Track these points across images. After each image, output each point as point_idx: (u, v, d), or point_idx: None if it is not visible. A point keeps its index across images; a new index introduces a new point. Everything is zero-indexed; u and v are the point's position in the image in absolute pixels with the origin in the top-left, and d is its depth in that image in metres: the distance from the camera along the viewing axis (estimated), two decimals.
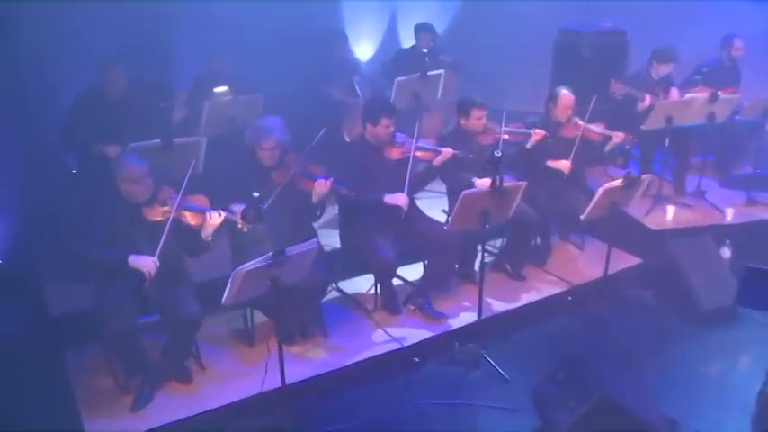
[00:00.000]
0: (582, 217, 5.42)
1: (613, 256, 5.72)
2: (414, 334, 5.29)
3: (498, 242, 6.37)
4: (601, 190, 5.30)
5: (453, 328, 5.41)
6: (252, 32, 7.30)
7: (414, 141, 5.39)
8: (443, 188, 6.06)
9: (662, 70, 7.04)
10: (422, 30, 7.83)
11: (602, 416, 4.05)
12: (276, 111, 5.45)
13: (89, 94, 5.78)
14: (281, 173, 4.94)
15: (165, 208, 4.40)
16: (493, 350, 5.16)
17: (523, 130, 5.96)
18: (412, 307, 5.59)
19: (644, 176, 5.53)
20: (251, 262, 3.91)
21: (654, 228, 6.56)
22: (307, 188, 4.92)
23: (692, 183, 7.23)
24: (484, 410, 4.70)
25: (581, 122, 6.07)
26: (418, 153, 5.41)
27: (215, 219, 4.40)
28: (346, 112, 7.12)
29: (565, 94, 6.06)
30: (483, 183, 5.32)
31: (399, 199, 5.22)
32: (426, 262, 5.75)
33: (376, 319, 5.48)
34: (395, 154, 5.39)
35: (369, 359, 5.04)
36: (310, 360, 4.96)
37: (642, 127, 6.50)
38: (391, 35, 9.22)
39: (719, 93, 6.65)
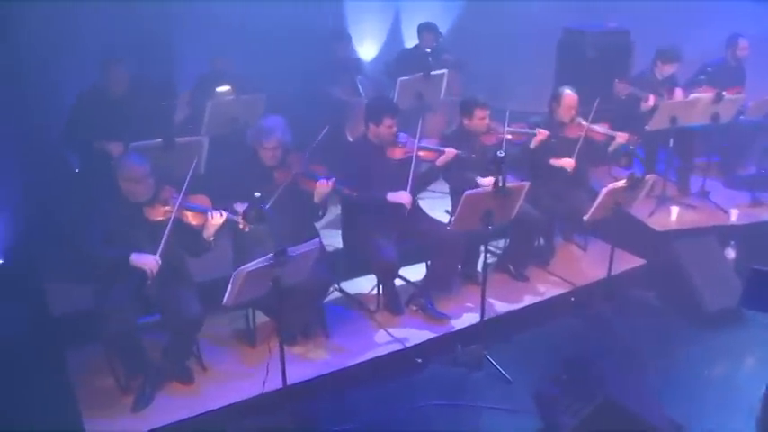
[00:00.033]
0: (585, 218, 5.40)
1: (617, 256, 5.70)
2: (416, 335, 5.27)
3: (501, 243, 6.34)
4: (604, 190, 5.28)
5: (456, 329, 5.39)
6: (254, 32, 7.29)
7: (416, 141, 5.37)
8: (446, 188, 6.05)
9: (666, 70, 7.01)
10: (425, 29, 7.81)
11: (606, 418, 4.04)
12: (278, 110, 5.44)
13: (92, 92, 5.78)
14: (283, 173, 4.93)
15: (167, 208, 4.39)
16: (495, 351, 5.14)
17: (527, 130, 5.95)
18: (414, 308, 5.57)
19: (648, 177, 5.52)
20: (252, 262, 3.90)
21: (658, 228, 6.53)
22: (308, 188, 4.91)
23: (696, 183, 7.20)
24: (486, 412, 4.68)
25: (584, 123, 6.05)
26: (421, 153, 5.39)
27: (217, 219, 4.39)
28: (349, 111, 7.10)
29: (568, 94, 6.04)
30: (486, 182, 5.29)
31: (402, 197, 5.20)
32: (429, 262, 5.72)
33: (378, 319, 5.46)
34: (397, 154, 5.37)
35: (371, 360, 5.02)
36: (312, 361, 4.95)
37: (646, 127, 6.47)
38: (395, 35, 9.20)
39: (724, 93, 6.62)
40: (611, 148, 6.10)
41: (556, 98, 6.10)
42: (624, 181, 5.32)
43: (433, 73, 7.03)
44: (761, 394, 4.38)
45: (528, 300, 5.82)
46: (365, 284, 5.80)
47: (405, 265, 5.70)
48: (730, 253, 6.39)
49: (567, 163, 5.91)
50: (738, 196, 7.27)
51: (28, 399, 4.46)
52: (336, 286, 5.74)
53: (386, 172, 5.33)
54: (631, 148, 6.16)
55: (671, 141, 6.61)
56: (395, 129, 5.32)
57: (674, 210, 6.86)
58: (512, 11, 8.78)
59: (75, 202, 5.38)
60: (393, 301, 5.55)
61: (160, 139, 5.26)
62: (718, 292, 5.87)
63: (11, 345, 4.91)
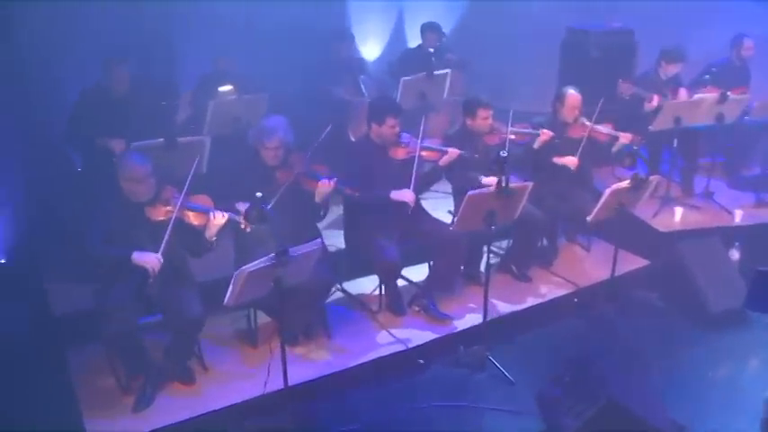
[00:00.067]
0: (589, 218, 5.38)
1: (620, 257, 5.66)
2: (418, 335, 5.26)
3: (504, 243, 6.32)
4: (608, 191, 5.26)
5: (458, 329, 5.38)
6: (257, 32, 7.30)
7: (419, 141, 5.35)
8: (449, 188, 6.03)
9: (670, 70, 6.99)
10: (428, 29, 7.80)
11: (609, 419, 4.02)
12: (281, 110, 5.43)
13: (95, 91, 5.81)
14: (285, 172, 4.91)
15: (168, 207, 4.37)
16: (498, 352, 5.12)
17: (530, 130, 5.92)
18: (417, 308, 5.55)
19: (652, 177, 5.48)
20: (254, 262, 3.88)
21: (661, 229, 6.51)
22: (310, 188, 4.89)
23: (700, 184, 7.18)
24: (488, 413, 4.66)
25: (588, 123, 6.03)
26: (423, 153, 5.37)
27: (219, 219, 4.37)
28: (352, 111, 7.08)
29: (572, 94, 6.02)
30: (490, 181, 5.27)
31: (406, 195, 5.18)
32: (431, 263, 5.70)
33: (380, 320, 5.44)
34: (400, 154, 5.35)
35: (373, 361, 5.00)
36: (314, 361, 4.93)
37: (650, 127, 6.45)
38: (398, 35, 9.19)
39: (729, 93, 6.59)
40: (614, 149, 6.08)
41: (559, 98, 6.08)
42: (628, 181, 5.29)
43: (436, 73, 7.02)
44: (765, 396, 4.34)
45: (531, 301, 5.80)
46: (367, 285, 5.78)
47: (407, 266, 5.69)
48: (734, 254, 6.38)
49: (571, 161, 5.89)
50: (743, 197, 7.24)
51: (29, 398, 4.45)
52: (338, 286, 5.73)
53: (388, 172, 5.31)
54: (635, 148, 6.14)
55: (675, 142, 6.58)
56: (397, 129, 5.30)
57: (678, 210, 6.84)
58: (515, 11, 8.77)
59: (77, 201, 5.38)
60: (395, 302, 5.54)
61: (162, 139, 5.25)
62: (723, 293, 5.83)
63: (12, 344, 4.90)
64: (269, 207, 4.49)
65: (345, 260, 5.69)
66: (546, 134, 5.87)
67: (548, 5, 8.56)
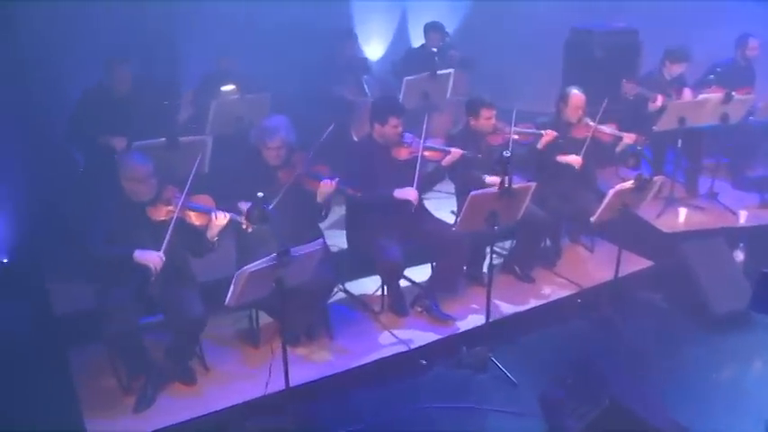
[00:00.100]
0: (592, 219, 5.36)
1: (624, 258, 5.64)
2: (421, 336, 5.24)
3: (507, 244, 6.31)
4: (612, 191, 5.24)
5: (461, 330, 5.35)
6: (260, 32, 7.27)
7: (422, 141, 5.33)
8: (452, 188, 6.01)
9: (675, 70, 6.97)
10: (431, 29, 7.79)
11: (612, 421, 4.00)
12: (284, 110, 5.42)
13: (97, 90, 5.81)
14: (287, 172, 4.90)
15: (170, 207, 4.36)
16: (501, 353, 5.09)
17: (533, 130, 5.90)
18: (419, 309, 5.53)
19: (656, 178, 5.47)
20: (255, 263, 3.86)
21: (665, 230, 6.49)
22: (312, 188, 4.88)
23: (704, 184, 7.16)
24: (491, 415, 4.64)
25: (592, 123, 6.01)
26: (426, 153, 5.35)
27: (221, 219, 4.36)
28: (355, 111, 7.06)
29: (576, 94, 6.00)
30: (493, 180, 5.25)
31: (409, 193, 5.16)
32: (434, 263, 5.68)
33: (382, 320, 5.43)
34: (403, 154, 5.33)
35: (375, 361, 4.98)
36: (315, 362, 4.92)
37: (654, 128, 6.43)
38: (401, 34, 9.19)
39: (733, 93, 6.57)
40: (618, 149, 6.06)
41: (563, 98, 6.06)
42: (632, 182, 5.27)
43: (439, 72, 7.01)
44: None
45: (534, 301, 5.78)
46: (370, 285, 5.77)
47: (410, 266, 5.68)
48: (739, 255, 6.33)
49: (575, 160, 5.87)
50: (747, 198, 7.21)
51: (30, 398, 4.43)
52: (341, 287, 5.72)
53: (391, 172, 5.29)
54: (639, 148, 6.12)
55: (679, 142, 6.56)
56: (400, 129, 5.28)
57: (682, 211, 6.81)
58: (519, 10, 8.76)
59: (78, 201, 5.37)
60: (398, 303, 5.52)
61: (163, 139, 5.24)
62: (727, 294, 5.80)
63: (14, 344, 4.88)
64: (271, 207, 4.48)
65: (348, 260, 5.67)
66: (549, 134, 5.85)
67: (551, 5, 8.54)
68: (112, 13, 6.49)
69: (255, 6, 7.19)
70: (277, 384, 4.47)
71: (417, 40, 8.34)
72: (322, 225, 5.21)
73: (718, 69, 7.19)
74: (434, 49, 7.67)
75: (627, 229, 5.59)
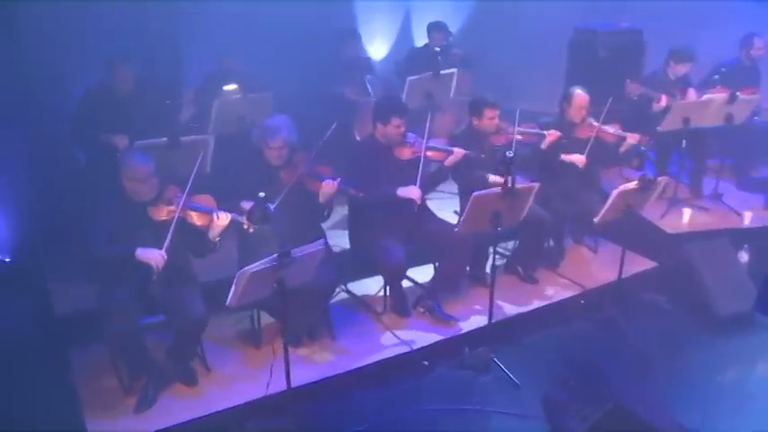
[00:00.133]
0: (596, 219, 5.33)
1: (628, 259, 5.62)
2: (423, 337, 5.22)
3: (510, 244, 6.28)
4: (615, 192, 5.21)
5: (463, 331, 5.33)
6: (263, 31, 7.25)
7: (424, 141, 5.31)
8: (455, 189, 5.99)
9: (679, 70, 6.94)
10: (434, 28, 7.77)
11: (615, 424, 3.99)
12: (286, 109, 5.41)
13: (98, 90, 5.81)
14: (289, 172, 4.88)
15: (171, 207, 4.35)
16: (503, 354, 5.07)
17: (537, 130, 5.88)
18: (421, 309, 5.52)
19: (660, 178, 5.44)
20: (256, 263, 3.85)
21: (669, 231, 6.47)
22: (314, 188, 4.86)
23: (708, 185, 7.13)
24: (494, 416, 4.62)
25: (595, 123, 5.99)
26: (429, 153, 5.33)
27: (222, 220, 4.34)
28: (358, 111, 7.05)
29: (579, 94, 5.98)
30: (497, 179, 5.23)
31: (413, 192, 5.14)
32: (437, 264, 5.66)
33: (385, 321, 5.41)
34: (405, 154, 5.32)
35: (377, 362, 4.96)
36: (317, 363, 4.90)
37: (658, 128, 6.41)
38: (405, 34, 9.17)
39: (738, 93, 6.53)
40: (622, 149, 6.03)
41: (567, 98, 6.04)
42: (635, 182, 5.25)
43: (442, 72, 6.98)
44: None
45: (537, 302, 5.76)
46: (372, 286, 5.75)
47: (412, 267, 5.66)
48: (743, 256, 6.32)
49: (579, 159, 5.85)
50: (752, 198, 7.19)
51: (31, 398, 4.43)
52: (343, 287, 5.70)
53: (393, 172, 5.27)
54: (643, 149, 6.09)
55: (683, 142, 6.52)
56: (403, 128, 5.27)
57: (687, 212, 6.79)
58: (522, 10, 8.74)
59: (80, 200, 5.36)
60: (400, 303, 5.50)
61: (165, 138, 5.23)
62: (731, 296, 5.77)
63: (15, 343, 4.88)
64: (273, 207, 4.46)
65: (350, 261, 5.65)
66: (553, 134, 5.83)
67: (555, 5, 8.51)
68: (115, 13, 6.51)
69: (258, 6, 7.17)
70: (278, 385, 4.45)
71: (421, 39, 8.32)
72: (324, 225, 5.21)
73: (723, 69, 7.15)
74: (437, 49, 7.63)
75: (631, 230, 5.56)
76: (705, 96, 6.63)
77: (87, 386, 4.59)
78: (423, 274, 5.86)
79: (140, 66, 6.07)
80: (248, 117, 5.98)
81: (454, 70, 7.13)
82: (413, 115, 5.54)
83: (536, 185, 5.07)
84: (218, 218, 4.34)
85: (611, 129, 6.02)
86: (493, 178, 5.42)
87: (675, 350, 5.38)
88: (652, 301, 6.08)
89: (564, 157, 5.89)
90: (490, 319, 5.10)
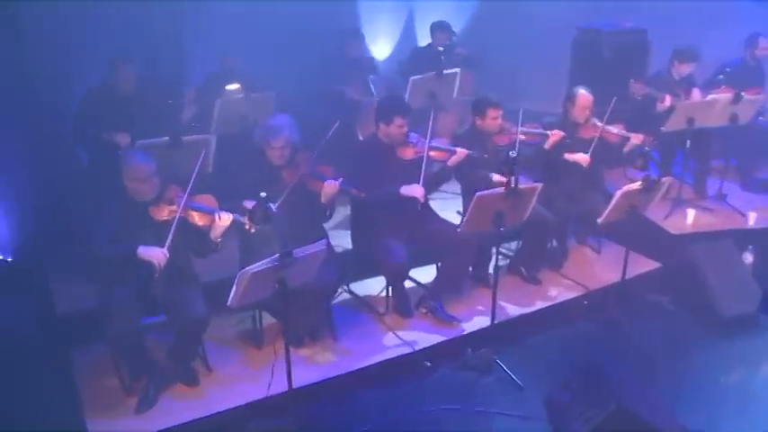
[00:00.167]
0: (599, 220, 5.31)
1: (631, 260, 5.60)
2: (425, 338, 5.20)
3: (513, 245, 6.26)
4: (619, 193, 5.19)
5: (466, 332, 5.31)
6: (266, 31, 7.24)
7: (427, 141, 5.29)
8: (458, 189, 5.98)
9: (683, 70, 6.92)
10: (438, 28, 7.76)
11: (618, 426, 3.96)
12: (289, 109, 5.40)
13: (100, 90, 5.81)
14: (292, 172, 4.87)
15: (172, 207, 4.34)
16: (506, 355, 5.05)
17: (540, 130, 5.86)
18: (424, 310, 5.50)
19: (664, 179, 5.42)
20: (258, 263, 3.83)
21: (673, 231, 6.44)
22: (316, 188, 4.85)
23: (713, 186, 7.10)
24: (496, 417, 4.59)
25: (599, 123, 5.97)
26: (432, 153, 5.31)
27: (224, 220, 4.33)
28: (361, 111, 7.03)
29: (583, 94, 5.96)
30: (501, 178, 5.21)
31: (416, 190, 5.12)
32: (439, 264, 5.64)
33: (387, 322, 5.39)
34: (408, 154, 5.30)
35: (379, 363, 4.94)
36: (319, 363, 4.89)
37: (662, 128, 6.39)
38: (408, 34, 9.16)
39: (743, 93, 6.50)
40: (626, 150, 6.00)
41: (570, 98, 6.02)
42: (639, 183, 5.22)
43: (445, 72, 6.97)
44: None
45: (540, 303, 5.73)
46: (374, 286, 5.73)
47: (415, 267, 5.65)
48: (748, 257, 6.28)
49: (582, 158, 5.83)
50: (756, 199, 7.16)
51: (32, 398, 4.42)
52: (345, 288, 5.69)
53: (396, 172, 5.25)
54: (647, 149, 6.06)
55: (688, 143, 6.50)
56: (405, 128, 5.25)
57: (691, 212, 6.76)
58: (526, 10, 8.74)
59: (82, 199, 5.35)
60: (402, 304, 5.48)
61: (166, 138, 5.22)
62: (736, 297, 5.74)
63: (17, 343, 4.88)
64: (276, 207, 4.45)
65: (352, 261, 5.64)
66: (557, 134, 5.81)
67: (559, 5, 8.50)
68: (118, 13, 6.50)
69: (262, 6, 7.16)
70: (280, 386, 4.42)
71: (424, 39, 8.31)
72: (327, 225, 5.19)
73: (728, 69, 7.13)
74: (441, 49, 7.62)
75: (634, 231, 5.54)
76: (710, 96, 6.61)
77: (88, 386, 4.58)
78: (425, 274, 5.85)
79: (143, 65, 6.07)
80: (251, 117, 5.97)
81: (457, 70, 7.11)
82: (416, 115, 5.52)
83: (539, 186, 5.05)
84: (219, 218, 4.33)
85: (614, 129, 6.00)
86: (496, 177, 5.40)
87: (679, 351, 5.36)
88: (656, 302, 6.04)
89: (567, 156, 5.87)
90: (493, 319, 5.07)
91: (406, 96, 6.59)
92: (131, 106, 5.73)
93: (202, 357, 4.75)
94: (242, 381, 4.67)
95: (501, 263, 5.26)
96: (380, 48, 9.02)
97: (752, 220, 6.72)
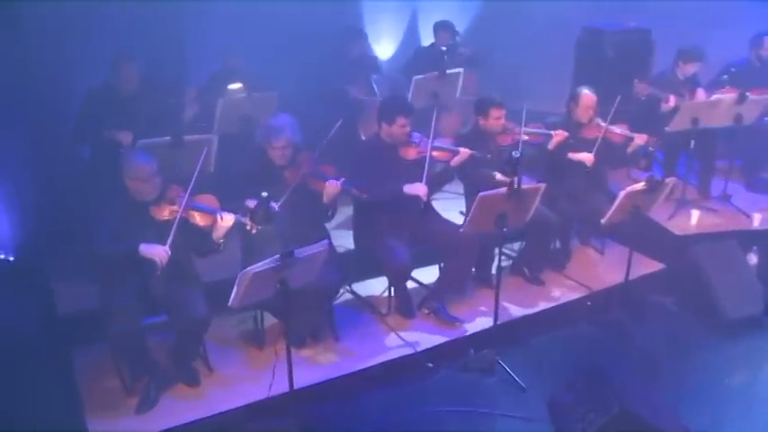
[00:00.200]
0: (603, 221, 5.29)
1: (635, 261, 5.57)
2: (427, 339, 5.18)
3: (516, 245, 6.24)
4: (623, 193, 5.16)
5: (468, 333, 5.29)
6: (269, 30, 7.24)
7: (430, 141, 5.27)
8: (461, 189, 5.95)
9: (688, 70, 6.89)
10: (441, 28, 7.75)
11: (621, 428, 3.94)
12: (291, 109, 5.38)
13: (102, 89, 5.79)
14: (293, 172, 4.86)
15: (173, 207, 4.33)
16: (508, 356, 5.03)
17: (544, 130, 5.84)
18: (426, 311, 5.48)
19: (667, 179, 5.40)
20: (259, 263, 3.81)
21: (677, 232, 6.41)
22: (318, 188, 4.84)
23: (717, 186, 7.07)
24: (498, 419, 4.58)
25: (603, 123, 5.95)
26: (435, 153, 5.29)
27: (226, 221, 4.32)
28: (364, 110, 7.02)
29: (586, 94, 5.94)
30: (504, 177, 5.18)
31: (419, 188, 5.10)
32: (442, 265, 5.62)
33: (389, 322, 5.37)
34: (411, 154, 5.28)
35: (381, 364, 4.93)
36: (321, 364, 4.87)
37: (667, 128, 6.36)
38: (412, 33, 9.16)
39: (748, 94, 6.47)
40: (629, 150, 5.98)
41: (574, 98, 6.00)
42: (643, 183, 5.20)
43: (448, 72, 6.96)
44: None
45: (543, 304, 5.71)
46: (377, 286, 5.71)
47: (417, 267, 5.62)
48: (753, 258, 6.26)
49: (587, 157, 5.80)
50: (761, 200, 7.12)
51: (33, 397, 4.42)
52: (347, 288, 5.67)
53: (399, 172, 5.23)
54: (651, 149, 6.04)
55: (692, 143, 6.46)
56: (408, 128, 5.23)
57: (695, 213, 6.71)
58: (529, 10, 8.73)
59: (84, 198, 5.34)
60: (405, 304, 5.47)
61: (168, 137, 5.21)
62: (740, 298, 5.73)
63: (18, 342, 4.87)
64: (278, 206, 4.44)
65: (354, 261, 5.63)
66: (560, 134, 5.79)
67: (562, 4, 8.48)
68: (121, 13, 6.49)
69: (265, 6, 7.15)
70: (281, 386, 4.41)
71: (428, 39, 8.30)
72: (329, 225, 5.18)
73: (733, 69, 7.08)
74: (444, 48, 7.60)
75: (638, 232, 5.50)
76: (714, 96, 6.57)
77: (89, 386, 4.57)
78: (428, 275, 5.83)
79: (145, 65, 6.05)
80: (253, 116, 5.95)
81: (460, 70, 7.10)
82: (418, 115, 5.50)
83: (542, 186, 5.04)
84: (221, 219, 4.32)
85: (618, 129, 5.98)
86: (500, 176, 5.37)
87: (683, 353, 5.34)
88: (659, 303, 6.03)
89: (572, 155, 5.85)
90: (495, 320, 5.05)
91: (409, 96, 6.58)
92: (133, 106, 5.71)
93: (203, 358, 4.73)
94: (243, 381, 4.65)
95: (504, 263, 5.28)
96: (384, 47, 9.01)
97: (756, 220, 6.68)
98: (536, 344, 5.37)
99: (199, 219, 4.36)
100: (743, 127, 6.62)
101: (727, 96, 6.49)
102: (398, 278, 5.36)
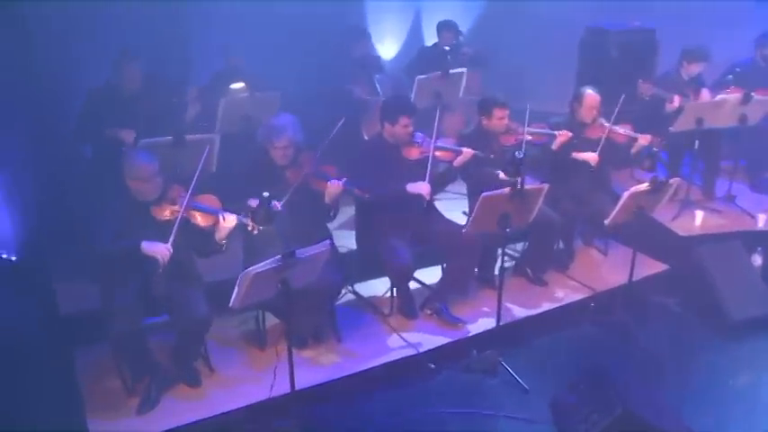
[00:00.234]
0: (606, 221, 5.26)
1: (638, 261, 5.54)
2: (430, 339, 5.17)
3: (519, 246, 6.22)
4: (626, 194, 5.14)
5: (471, 334, 5.28)
6: (271, 30, 7.23)
7: (433, 141, 5.25)
8: (463, 189, 5.94)
9: (692, 70, 6.87)
10: (444, 28, 7.72)
11: (625, 429, 3.93)
12: (293, 108, 5.37)
13: (104, 89, 5.78)
14: (295, 172, 4.85)
15: (174, 207, 4.32)
16: (511, 357, 5.01)
17: (547, 131, 5.82)
18: (429, 311, 5.46)
19: (671, 180, 5.37)
20: (260, 264, 3.80)
21: (681, 233, 6.40)
22: (320, 188, 4.83)
23: (721, 187, 7.05)
24: (501, 420, 4.56)
25: (606, 124, 5.93)
26: (438, 153, 5.28)
27: (229, 221, 4.31)
28: (367, 110, 7.01)
29: (590, 94, 5.93)
30: (507, 178, 5.17)
31: (422, 187, 5.09)
32: (444, 265, 5.61)
33: (391, 323, 5.36)
34: (413, 154, 5.27)
35: (383, 365, 4.91)
36: (322, 365, 4.86)
37: (671, 129, 6.35)
38: (415, 33, 9.14)
39: (753, 94, 6.44)
40: (633, 150, 5.97)
41: (577, 98, 5.99)
42: (647, 184, 5.18)
43: (451, 71, 6.94)
44: None
45: (546, 305, 5.70)
46: (379, 287, 5.69)
47: (420, 268, 5.61)
48: (757, 259, 6.24)
49: (591, 156, 5.79)
50: (766, 201, 7.11)
51: (34, 397, 4.41)
52: (349, 288, 5.66)
53: (401, 172, 5.22)
54: (655, 150, 6.02)
55: (696, 143, 6.45)
56: (411, 128, 5.22)
57: (699, 214, 6.71)
58: (533, 9, 8.72)
59: (86, 197, 5.35)
60: (407, 305, 5.45)
61: (170, 137, 5.20)
62: (744, 300, 5.70)
63: (20, 342, 4.85)
64: (280, 206, 4.43)
65: (357, 261, 5.61)
66: (564, 135, 5.78)
67: (566, 4, 8.47)
68: (125, 12, 6.49)
69: (268, 5, 7.15)
70: (282, 387, 4.40)
71: (431, 39, 8.28)
72: (331, 225, 5.17)
73: (737, 69, 7.07)
74: (447, 48, 7.59)
75: (642, 232, 5.48)
76: (719, 97, 6.55)
77: (90, 386, 4.57)
78: (430, 275, 5.82)
79: (149, 64, 6.05)
80: (255, 116, 5.94)
81: (463, 69, 7.08)
82: (421, 115, 5.49)
83: (545, 186, 5.02)
84: (224, 219, 4.31)
85: (622, 129, 5.97)
86: (503, 175, 5.35)
87: (686, 354, 5.32)
88: (663, 304, 6.00)
89: (576, 155, 5.83)
90: (498, 321, 5.04)
91: (412, 96, 6.56)
92: (135, 105, 5.71)
93: (205, 358, 4.73)
94: (244, 382, 4.65)
95: (507, 264, 5.24)
96: (387, 47, 9.00)
97: (761, 221, 6.66)
98: (539, 345, 5.36)
99: (200, 219, 4.35)
100: (747, 127, 6.59)
101: (731, 96, 6.47)
102: (401, 278, 5.34)
